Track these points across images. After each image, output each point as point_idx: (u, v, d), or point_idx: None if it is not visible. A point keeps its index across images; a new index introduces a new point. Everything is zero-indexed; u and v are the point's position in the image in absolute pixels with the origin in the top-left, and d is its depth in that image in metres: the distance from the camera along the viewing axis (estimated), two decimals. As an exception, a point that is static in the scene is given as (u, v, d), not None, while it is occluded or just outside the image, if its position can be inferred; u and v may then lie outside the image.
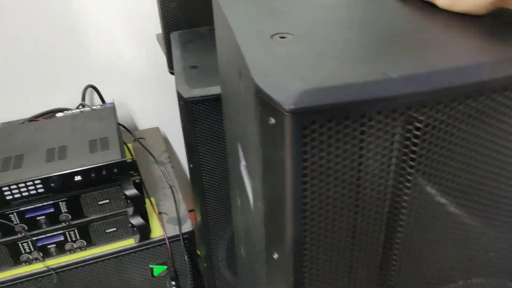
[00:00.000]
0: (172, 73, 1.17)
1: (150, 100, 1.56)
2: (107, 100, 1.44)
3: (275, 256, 0.41)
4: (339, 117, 0.32)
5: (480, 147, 0.40)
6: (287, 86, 0.33)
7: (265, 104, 0.34)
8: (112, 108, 1.20)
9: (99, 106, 1.22)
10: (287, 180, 0.35)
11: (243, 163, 0.56)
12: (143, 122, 1.61)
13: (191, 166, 0.88)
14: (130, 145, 1.36)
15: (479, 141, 0.39)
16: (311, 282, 0.42)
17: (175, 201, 1.22)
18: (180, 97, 0.80)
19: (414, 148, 0.36)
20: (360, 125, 0.33)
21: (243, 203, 0.60)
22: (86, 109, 1.22)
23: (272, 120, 0.34)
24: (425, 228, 0.44)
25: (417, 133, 0.35)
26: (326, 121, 0.32)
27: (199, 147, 0.85)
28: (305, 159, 0.34)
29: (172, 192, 1.25)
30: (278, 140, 0.34)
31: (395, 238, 0.42)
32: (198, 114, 0.81)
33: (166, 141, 1.54)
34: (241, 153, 0.55)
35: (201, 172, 0.88)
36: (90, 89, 1.45)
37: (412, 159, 0.37)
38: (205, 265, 1.03)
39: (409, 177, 0.38)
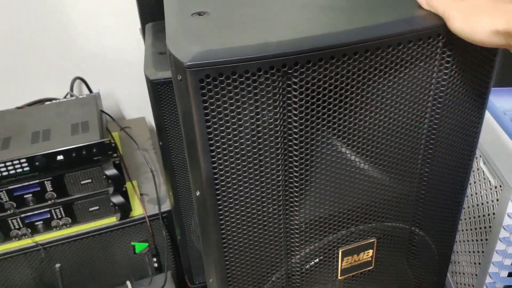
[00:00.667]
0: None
1: (137, 90, 1.64)
2: (95, 91, 1.53)
3: (198, 193, 0.50)
4: (228, 72, 0.42)
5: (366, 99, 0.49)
6: (188, 48, 0.42)
7: (175, 63, 0.43)
8: (96, 96, 1.30)
9: (85, 95, 1.31)
10: (196, 126, 0.44)
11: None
12: (130, 113, 1.70)
13: (161, 144, 0.97)
14: (115, 134, 1.45)
15: (362, 94, 0.48)
16: (227, 215, 0.51)
17: (155, 182, 1.31)
18: (147, 79, 0.89)
19: (295, 104, 0.45)
20: (246, 79, 0.42)
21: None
22: (71, 98, 1.31)
23: (179, 77, 0.43)
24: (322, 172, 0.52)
25: (295, 88, 0.44)
26: (218, 75, 0.42)
27: (167, 126, 0.94)
28: (206, 107, 0.43)
29: (153, 174, 1.34)
30: (184, 93, 0.43)
31: (293, 183, 0.51)
32: (163, 95, 0.90)
33: (151, 130, 1.63)
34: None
35: (169, 148, 0.97)
36: (78, 80, 1.53)
37: (298, 113, 0.46)
38: (179, 237, 1.12)
39: (296, 130, 0.47)
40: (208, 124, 0.44)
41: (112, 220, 1.22)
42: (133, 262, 1.28)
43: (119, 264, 1.26)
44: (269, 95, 0.44)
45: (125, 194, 1.19)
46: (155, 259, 1.29)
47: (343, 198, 0.54)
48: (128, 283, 1.18)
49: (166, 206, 1.27)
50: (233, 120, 0.44)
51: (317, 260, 0.57)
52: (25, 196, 1.11)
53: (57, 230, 1.18)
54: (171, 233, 1.26)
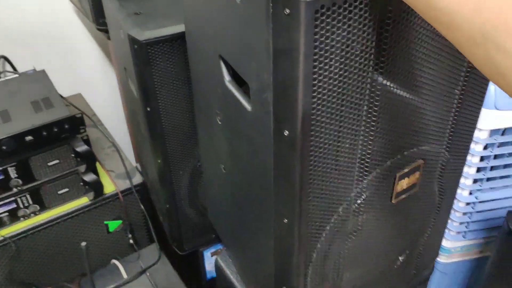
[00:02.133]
0: (100, 30, 1.17)
1: (67, 66, 1.52)
2: (20, 69, 1.39)
3: (286, 133, 0.51)
4: (340, 1, 0.43)
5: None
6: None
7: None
8: (42, 71, 1.18)
9: (31, 72, 1.19)
10: (301, 61, 0.45)
11: (227, 78, 0.64)
12: (63, 90, 1.57)
13: (148, 109, 0.93)
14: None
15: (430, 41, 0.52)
16: (315, 152, 0.52)
17: (121, 157, 1.25)
18: (134, 40, 0.84)
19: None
20: (354, 8, 0.44)
21: (228, 117, 0.68)
22: (13, 75, 1.18)
23: (287, 11, 0.43)
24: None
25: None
26: (331, 4, 0.42)
27: (157, 90, 0.90)
28: (315, 39, 0.44)
29: (117, 149, 1.27)
30: (291, 28, 0.43)
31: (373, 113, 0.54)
32: (154, 56, 0.86)
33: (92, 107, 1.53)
34: (224, 69, 0.63)
35: (159, 113, 0.93)
36: (1, 59, 1.39)
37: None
38: (167, 206, 1.09)
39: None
40: (315, 57, 0.45)
41: (83, 201, 1.15)
42: (108, 241, 1.22)
43: (94, 246, 1.19)
44: (368, 22, 0.46)
45: (96, 172, 1.13)
46: (130, 235, 1.25)
47: (399, 125, 0.59)
48: (115, 262, 1.12)
49: (137, 179, 1.23)
50: (337, 52, 0.45)
51: (377, 185, 0.61)
52: (-13, 185, 1.00)
53: (26, 220, 1.08)
54: (145, 206, 1.23)
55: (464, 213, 1.27)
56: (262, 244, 0.70)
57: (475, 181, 1.21)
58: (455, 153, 0.72)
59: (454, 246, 1.34)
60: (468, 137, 0.73)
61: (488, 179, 1.21)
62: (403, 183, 0.64)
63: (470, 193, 1.23)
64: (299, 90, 0.47)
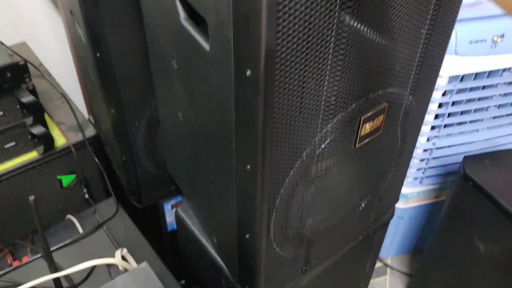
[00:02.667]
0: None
1: (9, 12, 1.40)
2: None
3: (248, 73, 0.47)
4: None
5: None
6: None
7: None
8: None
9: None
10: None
11: (182, 15, 0.59)
12: (5, 38, 1.46)
13: (98, 55, 0.87)
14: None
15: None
16: (279, 92, 0.49)
17: (71, 108, 1.18)
18: (79, -23, 0.77)
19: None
20: None
21: (184, 60, 0.63)
22: None
23: None
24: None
25: None
26: None
27: (107, 33, 0.83)
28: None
29: (67, 100, 1.20)
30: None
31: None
32: (103, -4, 0.79)
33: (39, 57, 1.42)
34: (179, 5, 0.58)
35: (111, 60, 0.87)
36: None
37: None
38: (123, 158, 1.04)
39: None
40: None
41: (32, 155, 1.08)
42: (62, 197, 1.17)
43: (48, 202, 1.14)
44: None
45: (44, 124, 1.06)
46: (85, 190, 1.20)
47: (365, 67, 0.57)
48: (70, 217, 1.08)
49: (90, 132, 1.17)
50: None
51: (341, 129, 0.59)
52: None
53: (-30, 176, 1.01)
54: (100, 159, 1.17)
55: (422, 160, 1.29)
56: (224, 192, 0.67)
57: (432, 128, 1.23)
58: (418, 97, 0.71)
59: (411, 192, 1.38)
60: (432, 81, 0.72)
61: (445, 126, 1.23)
62: (367, 127, 0.63)
63: (428, 140, 1.25)
64: (262, 24, 0.43)
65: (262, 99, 0.49)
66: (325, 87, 0.54)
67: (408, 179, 1.34)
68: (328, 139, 0.60)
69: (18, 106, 1.00)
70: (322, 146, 0.60)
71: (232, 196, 0.64)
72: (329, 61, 0.53)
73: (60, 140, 1.12)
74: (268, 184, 0.58)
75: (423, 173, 1.33)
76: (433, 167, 1.32)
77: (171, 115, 0.78)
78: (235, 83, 0.51)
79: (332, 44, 0.52)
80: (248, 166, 0.57)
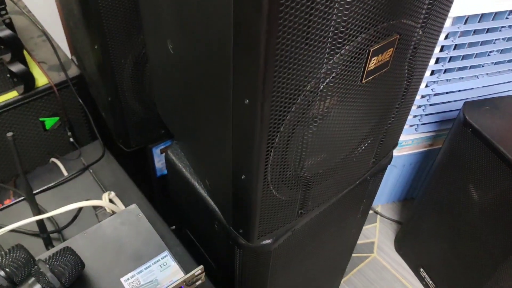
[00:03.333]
0: None
1: None
2: None
3: None
4: None
5: None
6: None
7: None
8: None
9: None
10: None
11: None
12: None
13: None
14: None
15: None
16: (285, 20, 0.44)
17: (52, 46, 1.10)
18: None
19: None
20: None
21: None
22: None
23: None
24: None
25: None
26: None
27: (88, -44, 0.76)
28: None
29: (47, 37, 1.12)
30: None
31: None
32: None
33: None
34: None
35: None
36: None
37: None
38: (109, 99, 0.99)
39: None
40: None
41: (12, 94, 1.02)
42: (45, 140, 1.12)
43: (30, 145, 1.09)
44: None
45: (24, 62, 0.99)
46: (70, 133, 1.15)
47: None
48: (54, 160, 1.03)
49: (73, 72, 1.10)
50: None
51: (349, 62, 0.55)
52: None
53: None
54: (84, 100, 1.11)
55: (419, 106, 1.26)
56: (219, 131, 0.63)
57: (432, 72, 1.19)
58: (428, 32, 0.66)
59: (406, 139, 1.35)
60: (443, 15, 0.67)
61: (445, 71, 1.19)
62: (375, 61, 0.58)
63: (426, 86, 1.21)
64: None
65: (265, 17, 0.43)
66: (334, 12, 0.49)
67: (403, 126, 1.30)
68: (334, 73, 0.55)
69: (-6, 41, 0.93)
70: (328, 80, 0.55)
71: (228, 135, 0.60)
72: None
73: (41, 80, 1.05)
74: (268, 120, 0.53)
75: (419, 120, 1.30)
76: (430, 114, 1.29)
77: (160, 48, 0.72)
78: (235, 2, 0.45)
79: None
80: (247, 101, 0.52)
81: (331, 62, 0.53)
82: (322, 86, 0.55)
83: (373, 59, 0.57)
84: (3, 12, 0.92)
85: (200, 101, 0.66)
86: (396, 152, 1.39)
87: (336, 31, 0.50)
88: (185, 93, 0.71)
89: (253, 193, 0.62)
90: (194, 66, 0.62)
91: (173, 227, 1.07)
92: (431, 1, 0.61)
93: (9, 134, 0.61)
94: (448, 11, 0.67)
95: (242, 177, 0.62)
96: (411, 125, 1.31)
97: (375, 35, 0.55)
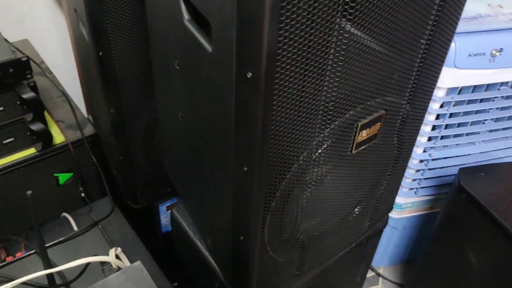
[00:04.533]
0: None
1: (12, 10, 1.41)
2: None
3: (249, 74, 0.48)
4: None
5: None
6: None
7: None
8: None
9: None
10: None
11: (186, 17, 0.60)
12: (8, 35, 1.46)
13: (101, 54, 0.87)
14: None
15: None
16: (279, 101, 0.50)
17: (71, 106, 1.19)
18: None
19: None
20: None
21: (186, 61, 0.64)
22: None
23: None
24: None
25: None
26: None
27: (110, 32, 0.84)
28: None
29: (67, 98, 1.20)
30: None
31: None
32: (107, -6, 0.80)
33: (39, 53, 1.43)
34: (183, 7, 0.59)
35: (113, 58, 0.88)
36: None
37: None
38: (120, 158, 1.05)
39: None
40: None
41: (30, 151, 1.08)
42: (58, 194, 1.17)
43: (44, 199, 1.14)
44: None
45: (44, 121, 1.06)
46: (81, 189, 1.20)
47: (364, 74, 0.57)
48: (65, 214, 1.08)
49: (89, 131, 1.17)
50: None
51: (339, 135, 0.60)
52: None
53: (-34, 170, 1.01)
54: (98, 158, 1.18)
55: (417, 170, 1.30)
56: (220, 194, 0.68)
57: (429, 139, 1.24)
58: (415, 106, 0.72)
59: (406, 202, 1.39)
60: (429, 91, 0.73)
61: (442, 137, 1.24)
62: (364, 134, 0.63)
63: (424, 151, 1.26)
64: (265, 25, 0.44)
65: (262, 101, 0.49)
66: (324, 92, 0.55)
67: (403, 189, 1.34)
68: (325, 144, 0.60)
69: (18, 102, 1.01)
70: (319, 150, 0.60)
71: (228, 197, 0.64)
72: (329, 67, 0.53)
73: (58, 138, 1.12)
74: (264, 186, 0.58)
75: (418, 184, 1.33)
76: (429, 178, 1.33)
77: (170, 116, 0.79)
78: (236, 84, 0.51)
79: (332, 50, 0.52)
80: (245, 168, 0.57)
81: (322, 135, 0.59)
82: (314, 156, 0.61)
83: (361, 132, 0.63)
84: (29, 76, 1.00)
85: (204, 165, 0.71)
86: (396, 215, 1.42)
87: (325, 109, 0.56)
88: (190, 156, 0.76)
89: (251, 254, 0.66)
90: (200, 134, 0.68)
91: (175, 284, 1.10)
92: (415, 80, 0.67)
93: (29, 192, 0.66)
94: (433, 88, 0.74)
95: (241, 238, 0.66)
96: (411, 189, 1.35)
97: (363, 111, 0.61)
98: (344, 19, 0.51)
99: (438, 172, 1.31)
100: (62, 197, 1.17)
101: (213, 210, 0.74)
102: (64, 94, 1.22)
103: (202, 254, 0.84)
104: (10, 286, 0.71)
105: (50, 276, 0.75)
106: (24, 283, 0.79)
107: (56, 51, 1.55)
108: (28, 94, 0.99)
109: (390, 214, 1.42)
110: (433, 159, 1.28)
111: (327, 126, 0.58)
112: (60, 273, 0.87)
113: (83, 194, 1.19)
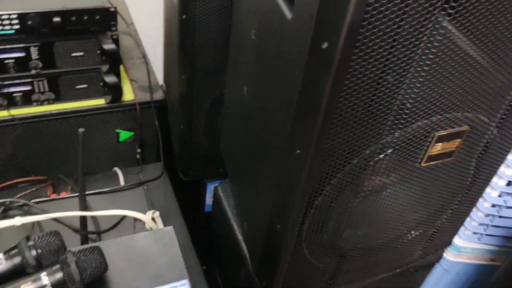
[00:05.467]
0: None
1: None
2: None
3: (324, 45, 0.43)
4: None
5: None
6: None
7: None
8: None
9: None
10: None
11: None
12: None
13: (184, 17, 0.87)
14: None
15: None
16: (351, 82, 0.45)
17: (148, 70, 1.20)
18: None
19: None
20: None
21: (263, 30, 0.61)
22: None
23: None
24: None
25: None
26: None
27: (197, -4, 0.83)
28: None
29: (146, 61, 1.22)
30: None
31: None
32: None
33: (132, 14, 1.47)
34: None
35: (195, 24, 0.87)
36: None
37: None
38: (181, 127, 1.04)
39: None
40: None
41: (99, 102, 1.10)
42: (115, 150, 1.18)
43: (100, 151, 1.16)
44: None
45: (118, 76, 1.08)
46: (139, 150, 1.21)
47: (454, 80, 0.51)
48: (116, 169, 1.09)
49: (159, 96, 1.18)
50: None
51: (410, 141, 0.54)
52: (6, 62, 0.96)
53: (38, 105, 1.05)
54: (161, 125, 1.18)
55: (487, 215, 1.18)
56: (267, 176, 0.64)
57: (509, 183, 1.12)
58: (505, 134, 0.63)
59: (465, 246, 1.26)
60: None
61: (524, 185, 1.11)
62: (439, 147, 0.56)
63: (500, 195, 1.14)
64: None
65: (332, 78, 0.44)
66: (404, 87, 0.49)
67: (465, 232, 1.22)
68: (393, 148, 0.54)
69: (98, 52, 1.03)
70: (385, 153, 0.54)
71: (275, 181, 0.60)
72: (416, 61, 0.48)
73: (128, 96, 1.13)
74: (314, 176, 0.53)
75: (484, 230, 1.21)
76: (498, 226, 1.20)
77: (236, 90, 0.76)
78: (308, 55, 0.47)
79: (423, 43, 0.47)
80: (298, 151, 0.53)
81: (390, 137, 0.53)
82: (378, 158, 0.55)
83: (437, 144, 0.56)
84: (114, 28, 1.02)
85: (258, 144, 0.67)
86: (452, 257, 1.30)
87: (401, 107, 0.50)
88: (246, 134, 0.73)
89: (284, 247, 0.62)
90: (261, 110, 0.65)
91: (204, 267, 1.07)
92: (511, 103, 0.59)
93: (81, 130, 0.66)
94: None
95: (277, 227, 0.62)
96: (475, 233, 1.22)
97: (444, 121, 0.54)
98: (443, 12, 0.45)
99: (509, 222, 1.18)
100: (118, 154, 1.18)
101: (256, 192, 0.70)
102: (144, 57, 1.24)
103: (235, 238, 0.80)
104: (42, 218, 0.71)
105: (83, 219, 0.75)
106: (58, 220, 0.80)
107: (149, 17, 1.58)
108: (109, 46, 1.01)
109: (445, 255, 1.30)
110: (507, 207, 1.15)
111: (400, 127, 0.52)
112: (95, 221, 0.87)
113: (138, 156, 1.20)
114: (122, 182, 1.03)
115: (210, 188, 1.20)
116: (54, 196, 0.96)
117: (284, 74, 0.55)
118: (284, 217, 0.59)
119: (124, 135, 1.18)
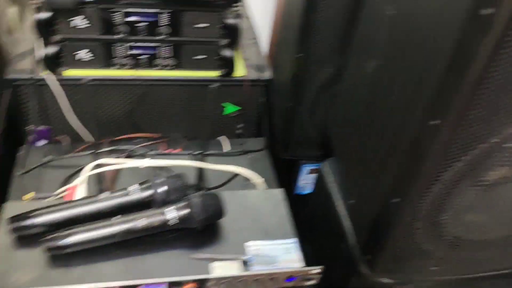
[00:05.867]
0: None
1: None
2: None
3: (484, 11, 0.43)
4: None
5: None
6: None
7: None
8: None
9: None
10: None
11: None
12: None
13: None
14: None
15: None
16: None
17: (259, 49, 1.24)
18: None
19: None
20: None
21: (402, 5, 0.61)
22: None
23: None
24: None
25: None
26: None
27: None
28: None
29: (257, 42, 1.27)
30: None
31: None
32: None
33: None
34: None
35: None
36: None
37: None
38: (290, 104, 1.06)
39: None
40: None
41: (212, 74, 1.16)
42: (217, 121, 1.23)
43: (204, 120, 1.21)
44: None
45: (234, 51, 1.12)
46: (242, 125, 1.24)
47: None
48: (223, 138, 1.14)
49: (266, 75, 1.21)
50: None
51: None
52: (138, 25, 1.03)
53: (159, 69, 1.12)
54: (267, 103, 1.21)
55: None
56: (388, 150, 0.64)
57: None
58: None
59: None
60: None
61: None
62: None
63: None
64: None
65: (491, 42, 0.44)
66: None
67: None
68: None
69: (221, 25, 1.08)
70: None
71: (398, 153, 0.60)
72: None
73: (239, 72, 1.18)
74: (448, 148, 0.53)
75: None
76: None
77: (359, 66, 0.76)
78: (462, 23, 0.47)
79: None
80: (437, 121, 0.52)
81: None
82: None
83: None
84: (238, 5, 1.06)
85: (379, 120, 0.68)
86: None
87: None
88: (366, 111, 0.73)
89: (398, 220, 0.61)
90: (388, 85, 0.65)
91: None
92: None
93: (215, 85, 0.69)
94: None
95: (393, 200, 0.62)
96: None
97: None
98: None
99: None
100: (220, 126, 1.23)
101: (373, 167, 0.70)
102: (256, 38, 1.28)
103: (337, 214, 0.81)
104: (167, 164, 0.77)
105: (200, 172, 0.79)
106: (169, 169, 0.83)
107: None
108: (232, 20, 1.06)
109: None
110: None
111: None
112: (206, 178, 0.92)
113: (240, 131, 1.24)
114: (228, 147, 1.08)
115: (304, 170, 1.21)
116: (169, 151, 1.02)
117: (430, 42, 0.54)
118: (405, 189, 0.59)
119: (229, 109, 1.23)
